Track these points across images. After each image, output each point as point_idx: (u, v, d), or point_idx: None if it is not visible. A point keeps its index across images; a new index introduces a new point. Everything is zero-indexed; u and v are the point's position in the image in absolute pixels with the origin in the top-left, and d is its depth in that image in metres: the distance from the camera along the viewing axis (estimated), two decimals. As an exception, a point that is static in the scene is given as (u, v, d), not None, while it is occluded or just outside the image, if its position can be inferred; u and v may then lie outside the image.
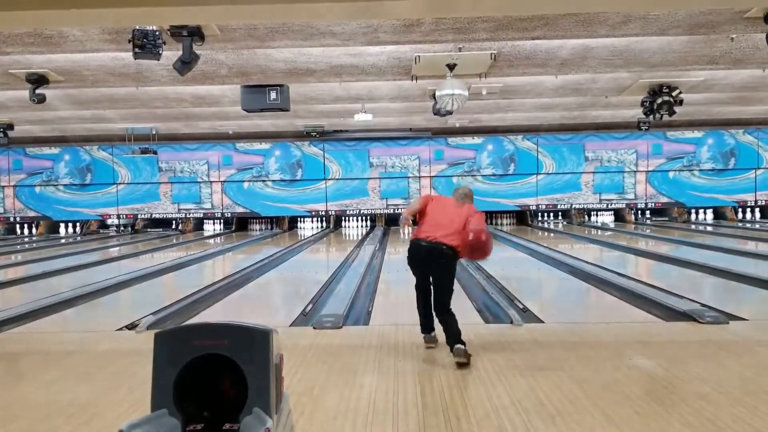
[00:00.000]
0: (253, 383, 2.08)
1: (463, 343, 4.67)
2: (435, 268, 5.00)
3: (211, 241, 17.86)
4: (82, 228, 20.75)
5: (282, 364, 2.26)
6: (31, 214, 20.26)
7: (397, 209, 19.95)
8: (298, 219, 20.75)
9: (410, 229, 5.41)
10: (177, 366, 2.08)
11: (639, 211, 20.58)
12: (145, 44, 6.70)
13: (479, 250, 4.95)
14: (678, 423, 3.37)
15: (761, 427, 3.29)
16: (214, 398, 2.15)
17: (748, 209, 20.03)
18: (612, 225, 19.82)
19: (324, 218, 20.57)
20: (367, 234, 17.95)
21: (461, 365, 4.54)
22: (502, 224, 20.47)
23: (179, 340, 2.14)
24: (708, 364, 4.51)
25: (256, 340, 2.13)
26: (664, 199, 19.74)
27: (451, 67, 8.97)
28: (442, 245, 4.90)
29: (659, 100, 11.64)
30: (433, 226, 5.01)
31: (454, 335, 4.73)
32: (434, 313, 5.07)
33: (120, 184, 20.07)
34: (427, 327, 5.22)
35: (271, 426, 1.97)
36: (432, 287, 5.07)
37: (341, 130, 19.13)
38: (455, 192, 5.40)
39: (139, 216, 20.35)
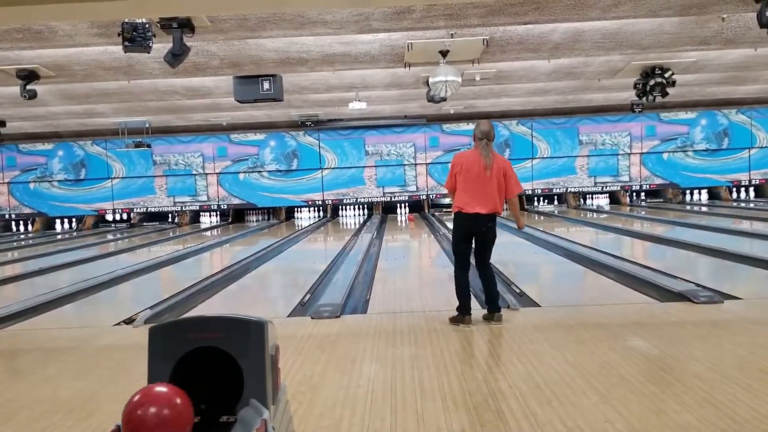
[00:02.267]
0: (249, 375, 2.09)
1: (500, 309, 5.49)
2: (483, 234, 5.47)
3: (208, 233, 17.86)
4: (77, 224, 20.72)
5: (278, 355, 2.27)
6: (26, 210, 20.23)
7: (394, 197, 19.96)
8: (295, 209, 20.73)
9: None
10: (172, 360, 2.09)
11: (634, 193, 20.60)
12: (134, 37, 6.67)
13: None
14: (674, 402, 3.40)
15: (756, 405, 3.32)
16: (211, 391, 2.16)
17: (743, 189, 20.05)
18: (607, 207, 19.86)
19: (321, 208, 20.56)
20: (365, 222, 17.96)
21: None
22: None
23: (174, 333, 2.15)
24: (703, 344, 4.54)
25: (251, 331, 2.15)
26: (659, 181, 19.77)
27: (444, 53, 8.96)
28: (488, 216, 5.40)
29: (652, 82, 11.65)
30: (474, 199, 5.38)
31: (493, 299, 5.48)
32: (477, 267, 5.58)
33: (115, 178, 20.03)
34: (468, 308, 5.45)
35: (267, 417, 1.98)
36: (475, 248, 5.56)
37: (336, 119, 19.10)
38: (477, 137, 5.52)
39: (134, 210, 20.32)
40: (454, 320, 5.46)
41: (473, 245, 5.58)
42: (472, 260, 5.65)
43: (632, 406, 3.39)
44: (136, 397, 1.72)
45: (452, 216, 5.60)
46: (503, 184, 5.45)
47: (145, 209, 20.29)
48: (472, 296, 5.63)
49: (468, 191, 5.40)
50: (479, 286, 5.77)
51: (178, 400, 1.74)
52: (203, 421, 2.06)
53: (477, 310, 5.75)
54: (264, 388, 2.10)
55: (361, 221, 18.68)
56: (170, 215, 20.93)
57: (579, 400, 3.50)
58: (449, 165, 5.69)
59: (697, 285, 6.58)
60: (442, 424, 3.26)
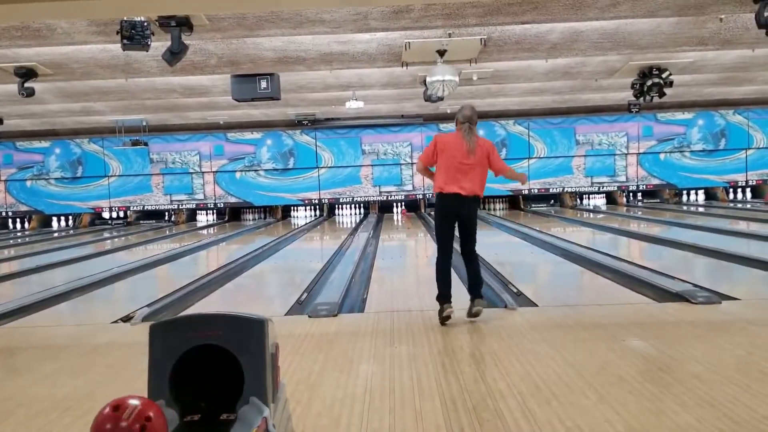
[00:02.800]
0: (249, 373, 2.08)
1: (482, 296, 5.44)
2: (465, 217, 5.40)
3: (205, 231, 17.84)
4: (74, 221, 20.69)
5: (278, 353, 2.27)
6: (23, 208, 20.17)
7: (390, 196, 19.97)
8: (292, 208, 20.71)
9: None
10: (173, 357, 2.08)
11: (630, 194, 20.62)
12: (133, 35, 6.66)
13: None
14: (672, 402, 3.40)
15: (754, 405, 3.32)
16: (211, 389, 2.15)
17: (739, 189, 20.10)
18: (604, 208, 19.89)
19: (317, 206, 20.55)
20: (361, 221, 17.96)
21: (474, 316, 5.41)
22: (495, 209, 20.51)
23: (174, 331, 2.14)
24: (701, 344, 4.55)
25: (252, 329, 2.14)
26: (656, 181, 19.79)
27: (442, 53, 8.96)
28: (470, 198, 5.35)
29: (649, 82, 11.66)
30: (456, 178, 5.31)
31: (476, 286, 5.44)
32: (462, 256, 5.56)
33: (111, 176, 19.99)
34: (447, 297, 5.37)
35: (268, 415, 1.98)
36: (459, 235, 5.49)
37: (333, 118, 19.09)
38: (459, 121, 5.41)
39: (131, 208, 20.29)
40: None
41: (456, 232, 5.52)
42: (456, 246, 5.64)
43: (631, 406, 3.39)
44: (106, 410, 1.65)
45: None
46: (487, 166, 5.42)
47: (141, 207, 20.26)
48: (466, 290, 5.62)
49: (449, 174, 5.32)
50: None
51: (151, 414, 1.66)
52: (204, 419, 2.05)
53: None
54: (264, 386, 2.09)
55: (358, 220, 18.67)
56: (167, 213, 20.90)
57: (578, 400, 3.50)
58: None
59: (695, 285, 6.58)
60: (441, 423, 3.26)
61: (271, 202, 20.23)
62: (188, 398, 2.11)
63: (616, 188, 20.01)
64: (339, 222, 19.11)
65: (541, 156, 19.67)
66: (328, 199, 20.05)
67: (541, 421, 3.22)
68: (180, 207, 20.31)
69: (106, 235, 17.61)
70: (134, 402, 1.68)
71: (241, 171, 19.93)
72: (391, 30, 7.98)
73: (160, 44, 7.15)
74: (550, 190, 19.88)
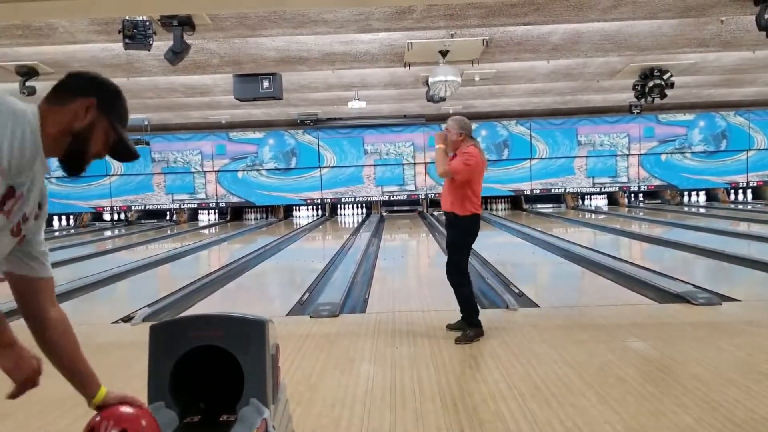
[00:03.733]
0: (249, 374, 2.09)
1: None
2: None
3: (206, 231, 17.85)
4: (75, 221, 20.69)
5: (278, 354, 2.27)
6: (24, 207, 20.12)
7: (392, 196, 19.97)
8: (294, 207, 20.71)
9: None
10: (173, 358, 2.09)
11: (632, 194, 20.60)
12: (135, 35, 6.66)
13: None
14: (672, 404, 3.41)
15: (754, 407, 3.32)
16: (211, 390, 2.16)
17: (740, 191, 20.09)
18: (605, 208, 19.88)
19: (319, 206, 20.54)
20: (363, 221, 17.96)
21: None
22: (496, 209, 20.50)
23: (175, 332, 2.15)
24: (701, 345, 4.55)
25: (252, 330, 2.14)
26: (657, 182, 19.79)
27: (444, 53, 8.96)
28: None
29: (650, 84, 11.63)
30: (479, 198, 5.12)
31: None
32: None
33: (113, 175, 19.97)
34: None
35: (268, 416, 1.98)
36: None
37: (335, 118, 19.08)
38: (468, 134, 5.28)
39: (133, 207, 20.29)
40: (470, 337, 4.89)
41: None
42: None
43: (631, 407, 3.40)
44: (98, 419, 1.65)
45: (463, 221, 5.02)
46: None
47: (143, 207, 20.26)
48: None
49: (478, 191, 5.10)
50: (478, 286, 5.76)
51: (144, 422, 1.66)
52: (204, 420, 2.06)
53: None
54: (264, 387, 2.09)
55: (360, 220, 18.67)
56: (168, 213, 20.90)
57: (578, 401, 3.50)
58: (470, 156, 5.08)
59: (695, 287, 6.59)
60: (441, 424, 3.27)
61: (273, 201, 20.22)
62: (188, 399, 2.11)
63: (617, 189, 20.00)
64: (341, 222, 19.11)
65: (543, 156, 19.66)
66: (330, 199, 20.04)
67: (541, 421, 3.22)
68: (182, 206, 20.30)
69: (108, 234, 17.63)
70: (127, 409, 1.74)
71: (243, 170, 19.93)
72: (394, 30, 7.97)
73: (162, 44, 7.15)
74: (552, 191, 19.86)
